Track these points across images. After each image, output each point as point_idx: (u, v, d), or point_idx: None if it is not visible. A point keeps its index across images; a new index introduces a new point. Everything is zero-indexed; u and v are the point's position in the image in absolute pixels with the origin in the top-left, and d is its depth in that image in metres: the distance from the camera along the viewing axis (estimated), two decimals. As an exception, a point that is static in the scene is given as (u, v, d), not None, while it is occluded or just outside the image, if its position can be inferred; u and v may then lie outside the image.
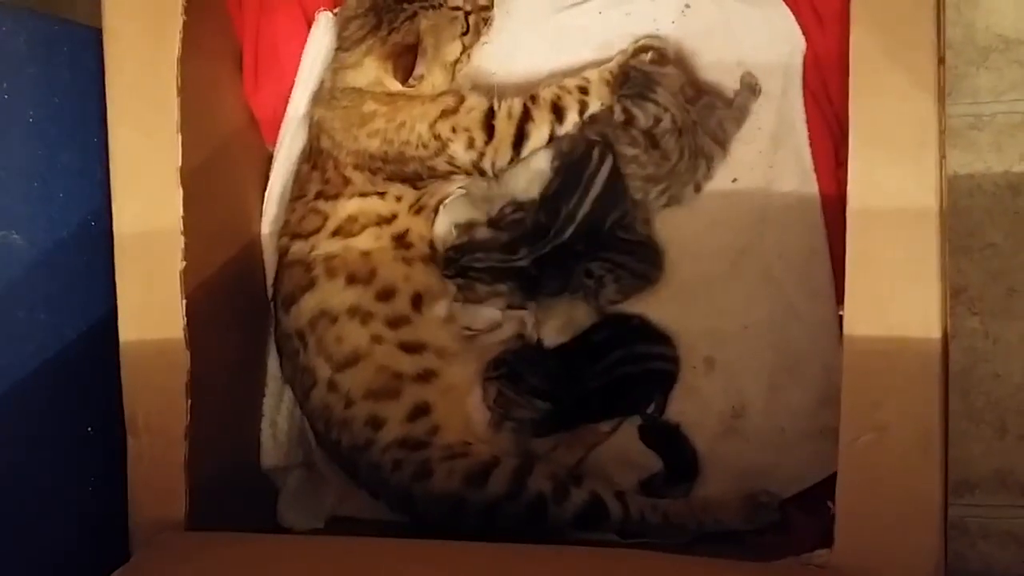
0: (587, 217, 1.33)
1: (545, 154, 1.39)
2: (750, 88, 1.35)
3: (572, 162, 1.35)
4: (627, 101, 1.34)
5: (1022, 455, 1.42)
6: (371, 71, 1.34)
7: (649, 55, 1.36)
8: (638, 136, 1.33)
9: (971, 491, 1.43)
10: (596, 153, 1.33)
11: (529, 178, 1.40)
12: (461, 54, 1.35)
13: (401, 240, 1.35)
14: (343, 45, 1.36)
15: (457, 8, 1.33)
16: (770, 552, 1.17)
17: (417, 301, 1.34)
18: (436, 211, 1.37)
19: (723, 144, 1.35)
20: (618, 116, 1.34)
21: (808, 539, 1.16)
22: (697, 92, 1.35)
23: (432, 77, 1.33)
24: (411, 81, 1.30)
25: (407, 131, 1.34)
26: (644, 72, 1.34)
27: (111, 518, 1.18)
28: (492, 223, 1.37)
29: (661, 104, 1.32)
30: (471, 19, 1.34)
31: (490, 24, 1.37)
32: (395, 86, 1.32)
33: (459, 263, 1.33)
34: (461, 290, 1.35)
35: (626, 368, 1.33)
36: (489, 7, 1.36)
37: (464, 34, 1.34)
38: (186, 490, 1.17)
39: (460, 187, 1.38)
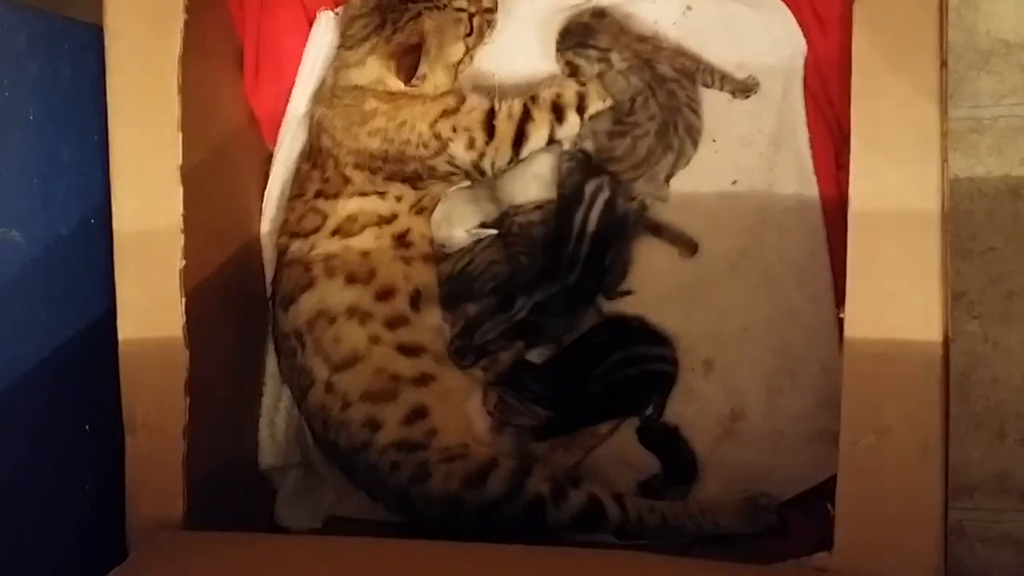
0: (589, 256, 1.33)
1: (544, 158, 1.39)
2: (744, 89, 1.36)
3: (563, 208, 1.35)
4: (568, 53, 1.34)
5: (1021, 459, 1.42)
6: (374, 70, 1.34)
7: (590, 11, 1.37)
8: (614, 130, 1.34)
9: (970, 495, 1.43)
10: (589, 189, 1.33)
11: (526, 181, 1.39)
12: (464, 55, 1.35)
13: (402, 240, 1.35)
14: (346, 43, 1.36)
15: (461, 9, 1.33)
16: (768, 555, 1.17)
17: (416, 299, 1.34)
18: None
19: (690, 75, 1.34)
20: (563, 70, 1.36)
21: (806, 542, 1.16)
22: (639, 38, 1.36)
23: (434, 77, 1.33)
24: (414, 81, 1.30)
25: (408, 130, 1.34)
26: (582, 23, 1.35)
27: (109, 517, 1.18)
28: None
29: (602, 48, 1.33)
30: (475, 21, 1.34)
31: (493, 26, 1.37)
32: (397, 85, 1.32)
33: (474, 345, 1.32)
34: (486, 371, 1.35)
35: (625, 370, 1.33)
36: (493, 9, 1.36)
37: (468, 35, 1.34)
38: (184, 489, 1.17)
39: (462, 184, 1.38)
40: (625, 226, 1.35)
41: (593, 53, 1.33)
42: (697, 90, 1.36)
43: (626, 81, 1.33)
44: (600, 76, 1.34)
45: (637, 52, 1.33)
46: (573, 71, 1.35)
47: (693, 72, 1.35)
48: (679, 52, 1.36)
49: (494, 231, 1.36)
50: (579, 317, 1.36)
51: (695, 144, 1.35)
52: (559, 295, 1.33)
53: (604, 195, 1.33)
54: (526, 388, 1.32)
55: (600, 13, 1.37)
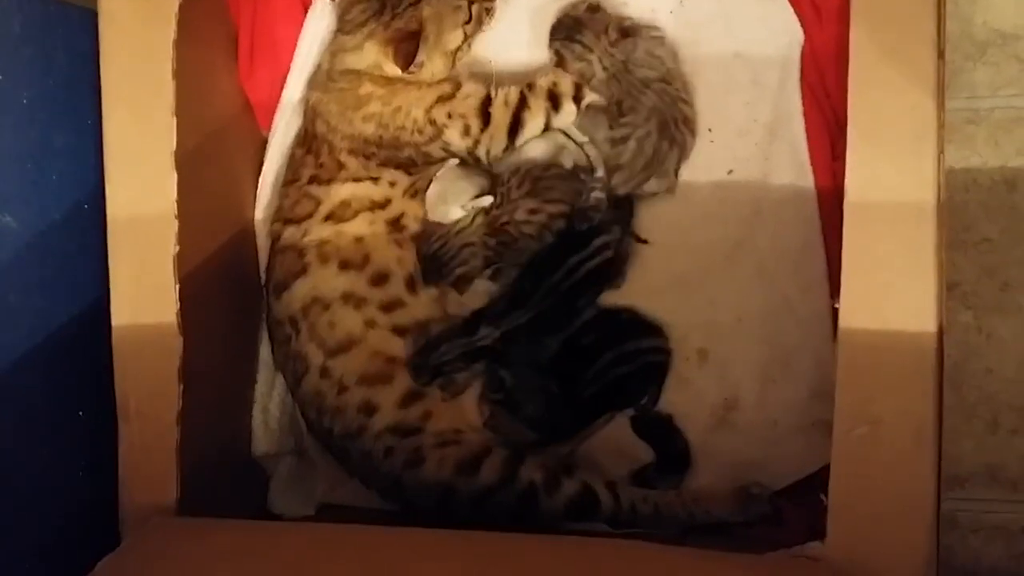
0: (566, 294, 1.32)
1: (538, 144, 1.39)
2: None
3: (563, 245, 1.34)
4: (557, 44, 1.35)
5: (1013, 450, 1.42)
6: (371, 55, 1.33)
7: (585, 4, 1.36)
8: (615, 136, 1.34)
9: (962, 485, 1.43)
10: (597, 243, 1.32)
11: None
12: (462, 43, 1.34)
13: (396, 224, 1.35)
14: (344, 28, 1.35)
15: None
16: (760, 544, 1.17)
17: (412, 282, 1.34)
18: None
19: (659, 71, 1.34)
20: (552, 59, 1.36)
21: (798, 531, 1.16)
22: (621, 34, 1.35)
23: (432, 64, 1.32)
24: (411, 68, 1.29)
25: (403, 116, 1.34)
26: (574, 17, 1.35)
27: (102, 503, 1.18)
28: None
29: (586, 45, 1.33)
30: (474, 8, 1.33)
31: (492, 14, 1.36)
32: (394, 71, 1.32)
33: (428, 365, 1.31)
34: (443, 389, 1.33)
35: (619, 369, 1.33)
36: None
37: (466, 23, 1.33)
38: (177, 476, 1.17)
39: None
40: (608, 282, 1.36)
41: (577, 48, 1.33)
42: (685, 82, 1.35)
43: (608, 89, 1.33)
44: (583, 76, 1.34)
45: (615, 56, 1.33)
46: (560, 62, 1.36)
47: (668, 64, 1.35)
48: (651, 42, 1.35)
49: (489, 198, 1.35)
50: (543, 346, 1.34)
51: (693, 134, 1.35)
52: (525, 325, 1.32)
53: (607, 254, 1.33)
54: (522, 410, 1.32)
55: (595, 7, 1.36)
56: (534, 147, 1.40)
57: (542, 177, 1.36)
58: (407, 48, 1.29)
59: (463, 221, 1.35)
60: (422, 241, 1.36)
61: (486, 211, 1.36)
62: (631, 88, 1.32)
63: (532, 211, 1.35)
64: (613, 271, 1.35)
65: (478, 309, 1.35)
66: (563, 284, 1.32)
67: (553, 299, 1.32)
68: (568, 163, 1.38)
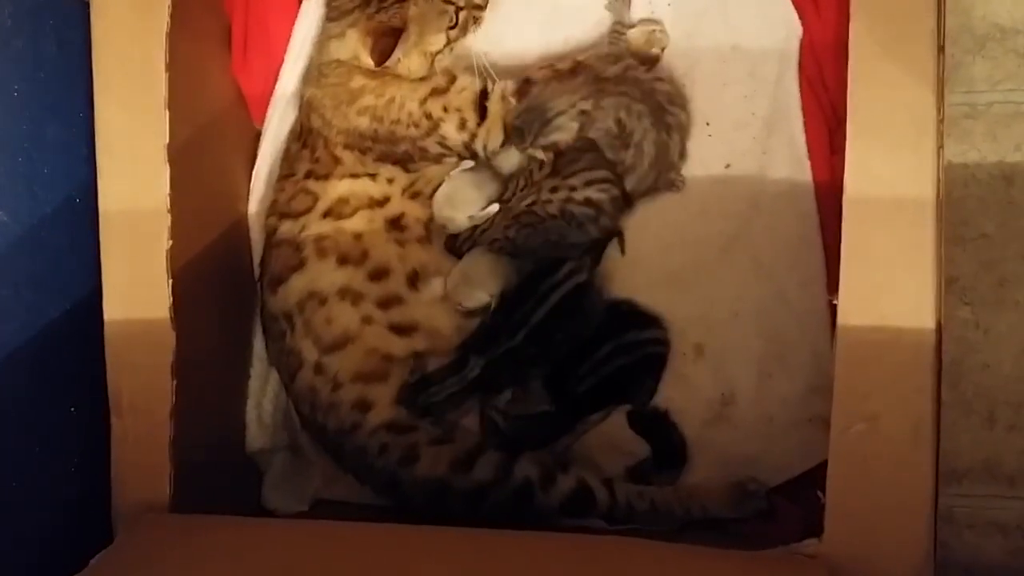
0: (541, 324, 1.31)
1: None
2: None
3: (536, 271, 1.33)
4: (539, 140, 1.32)
5: (1010, 445, 1.42)
6: (351, 44, 1.32)
7: (511, 93, 1.35)
8: (616, 144, 1.33)
9: (959, 481, 1.43)
10: (566, 268, 1.32)
11: (522, 161, 1.38)
12: (444, 47, 1.33)
13: (396, 223, 1.35)
14: (331, 15, 1.35)
15: (449, 2, 1.32)
16: (756, 540, 1.16)
17: (414, 279, 1.34)
18: (432, 196, 1.36)
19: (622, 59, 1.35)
20: (546, 159, 1.34)
21: (794, 528, 1.16)
22: (574, 69, 1.34)
23: (408, 61, 1.32)
24: (385, 64, 1.29)
25: (396, 108, 1.33)
26: (527, 108, 1.32)
27: (94, 500, 1.18)
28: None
29: (563, 109, 1.31)
30: (461, 15, 1.33)
31: (479, 24, 1.36)
32: (369, 64, 1.31)
33: (417, 404, 1.30)
34: (433, 426, 1.32)
35: (619, 360, 1.32)
36: (483, 7, 1.35)
37: (451, 28, 1.32)
38: (170, 472, 1.16)
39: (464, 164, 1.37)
40: (583, 313, 1.34)
41: (562, 120, 1.31)
42: (641, 56, 1.35)
43: (602, 111, 1.32)
44: (583, 128, 1.32)
45: (582, 86, 1.33)
46: (558, 152, 1.34)
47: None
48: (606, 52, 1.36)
49: (495, 207, 1.35)
50: (529, 379, 1.34)
51: (684, 108, 1.35)
52: (505, 356, 1.31)
53: (578, 278, 1.32)
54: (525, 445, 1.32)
55: (525, 82, 1.35)
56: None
57: (564, 153, 1.35)
58: (384, 44, 1.28)
59: (484, 224, 1.35)
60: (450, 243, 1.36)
61: (506, 201, 1.35)
62: (620, 99, 1.31)
63: (553, 189, 1.33)
64: (587, 300, 1.34)
65: (464, 341, 1.34)
66: (533, 315, 1.31)
67: (528, 331, 1.31)
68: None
